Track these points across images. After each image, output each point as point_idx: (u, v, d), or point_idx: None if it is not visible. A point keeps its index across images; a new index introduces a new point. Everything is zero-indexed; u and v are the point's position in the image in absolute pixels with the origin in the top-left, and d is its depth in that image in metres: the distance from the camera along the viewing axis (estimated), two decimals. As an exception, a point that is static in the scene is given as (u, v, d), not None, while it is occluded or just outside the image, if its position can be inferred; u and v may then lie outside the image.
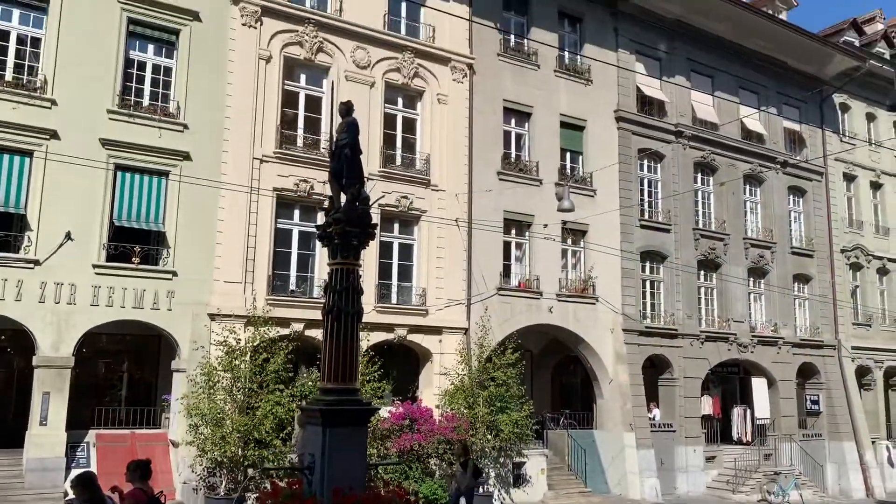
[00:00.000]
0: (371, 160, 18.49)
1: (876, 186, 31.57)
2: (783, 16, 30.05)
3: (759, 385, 26.08)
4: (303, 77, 19.25)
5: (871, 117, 31.94)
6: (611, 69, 23.35)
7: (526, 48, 22.58)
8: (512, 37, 22.68)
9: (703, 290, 25.56)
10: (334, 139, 9.64)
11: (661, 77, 25.23)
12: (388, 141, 19.92)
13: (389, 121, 20.11)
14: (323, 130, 18.76)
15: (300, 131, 18.86)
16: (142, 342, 18.30)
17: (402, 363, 19.71)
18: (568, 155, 23.09)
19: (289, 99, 18.87)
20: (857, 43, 31.74)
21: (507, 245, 21.56)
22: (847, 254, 29.67)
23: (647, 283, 24.19)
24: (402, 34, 20.48)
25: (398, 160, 20.00)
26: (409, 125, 20.59)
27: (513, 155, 22.11)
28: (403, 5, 20.79)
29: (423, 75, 20.52)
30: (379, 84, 19.78)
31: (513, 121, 22.25)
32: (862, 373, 29.22)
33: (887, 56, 32.13)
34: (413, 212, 19.80)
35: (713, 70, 26.47)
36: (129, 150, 16.49)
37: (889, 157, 31.88)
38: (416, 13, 21.06)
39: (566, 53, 23.55)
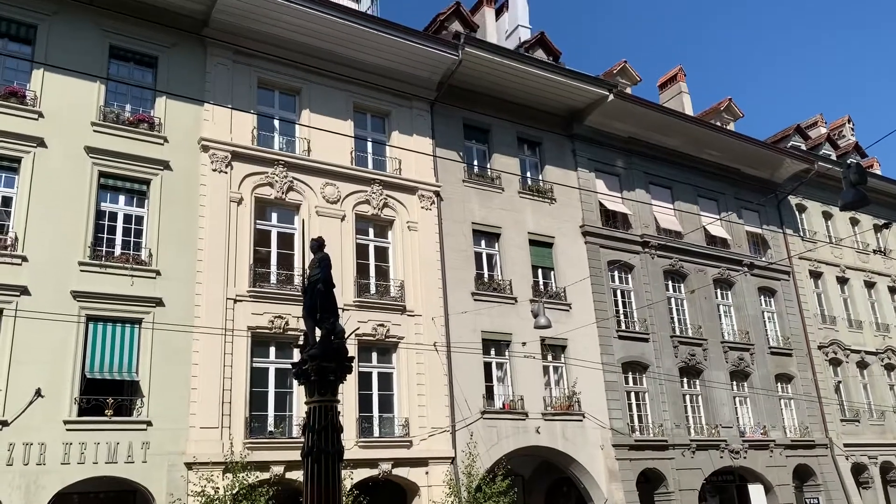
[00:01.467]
0: (345, 291, 18.56)
1: (842, 281, 32.22)
2: (731, 126, 31.61)
3: (756, 492, 25.38)
4: (274, 216, 19.57)
5: (827, 215, 33.05)
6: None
7: (489, 173, 23.37)
8: (475, 163, 23.52)
9: (688, 397, 25.36)
10: (307, 275, 9.73)
11: (621, 191, 26.06)
12: (362, 270, 20.09)
13: (361, 251, 20.37)
14: (296, 265, 18.88)
15: (273, 268, 18.95)
16: (116, 499, 17.40)
17: (389, 500, 18.94)
18: (540, 271, 23.43)
19: (261, 238, 19.08)
20: (803, 147, 33.35)
21: (487, 366, 21.37)
22: (825, 350, 29.83)
23: (632, 395, 23.98)
24: (370, 168, 21.11)
25: (372, 289, 20.08)
26: (382, 253, 20.85)
27: (486, 275, 22.34)
28: (369, 143, 21.55)
29: (392, 205, 21.02)
30: (349, 216, 20.17)
31: (483, 242, 22.66)
32: (858, 470, 28.65)
33: (833, 157, 33.73)
34: (390, 339, 19.69)
35: (671, 181, 27.47)
36: (101, 300, 16.35)
37: (851, 253, 32.76)
38: (381, 148, 21.82)
39: (528, 176, 24.41)
